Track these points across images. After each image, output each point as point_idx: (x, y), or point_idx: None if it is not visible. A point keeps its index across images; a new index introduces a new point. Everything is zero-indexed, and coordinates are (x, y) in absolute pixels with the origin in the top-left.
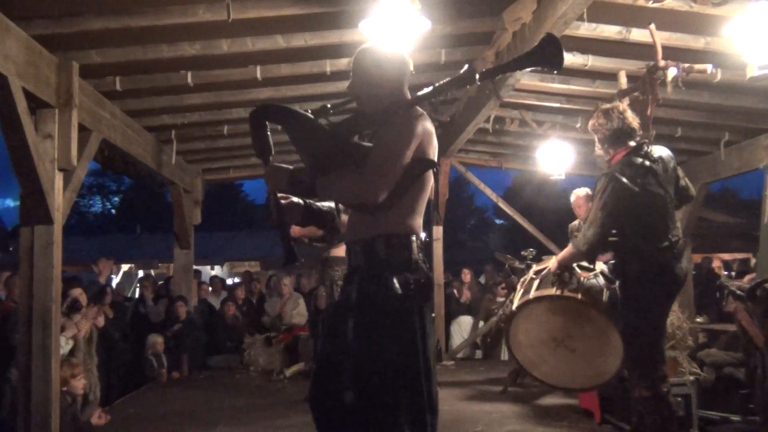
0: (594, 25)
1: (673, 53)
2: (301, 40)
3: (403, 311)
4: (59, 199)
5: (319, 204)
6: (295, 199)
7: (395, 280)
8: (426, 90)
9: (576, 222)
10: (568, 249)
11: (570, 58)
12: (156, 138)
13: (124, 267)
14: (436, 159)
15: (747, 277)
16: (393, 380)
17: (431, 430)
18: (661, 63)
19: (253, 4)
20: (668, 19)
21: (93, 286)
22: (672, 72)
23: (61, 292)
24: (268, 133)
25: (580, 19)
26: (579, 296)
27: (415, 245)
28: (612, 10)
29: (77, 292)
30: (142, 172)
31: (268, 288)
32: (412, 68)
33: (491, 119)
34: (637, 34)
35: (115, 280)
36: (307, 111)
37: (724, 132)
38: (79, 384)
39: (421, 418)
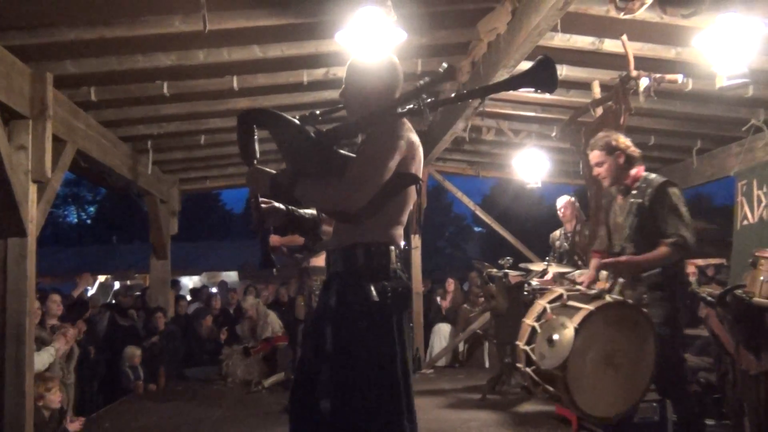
0: (567, 35)
1: (644, 63)
2: (277, 51)
3: (380, 319)
4: (33, 211)
5: (302, 211)
6: (277, 204)
7: (372, 288)
8: (407, 93)
9: (558, 231)
10: (661, 252)
11: None
12: (132, 148)
13: (101, 278)
14: (420, 173)
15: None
16: (370, 387)
17: None
18: (634, 73)
19: (230, 14)
20: (640, 30)
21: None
22: (644, 82)
23: (35, 305)
24: (255, 136)
25: (554, 29)
26: (630, 301)
27: (393, 254)
28: (585, 22)
29: (57, 299)
30: (118, 182)
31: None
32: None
33: (468, 128)
34: (610, 45)
35: (91, 292)
36: (295, 117)
37: (696, 140)
38: (55, 398)
39: (398, 425)
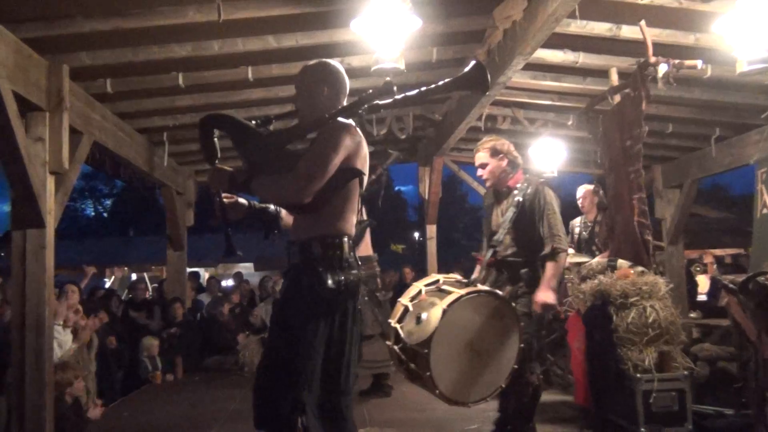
0: (584, 22)
1: (663, 50)
2: (292, 41)
3: (328, 304)
4: (51, 202)
5: (262, 205)
6: (240, 199)
7: (329, 276)
8: (351, 102)
9: (578, 219)
10: (552, 267)
11: (561, 56)
12: (147, 140)
13: (117, 272)
14: (365, 168)
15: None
16: (286, 359)
17: (346, 410)
18: (652, 59)
19: (244, 4)
20: (658, 16)
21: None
22: (663, 68)
23: (54, 295)
24: (215, 138)
25: (571, 16)
26: (501, 293)
27: (346, 245)
28: (602, 7)
29: (74, 289)
30: (134, 174)
31: (261, 289)
32: (348, 86)
33: (483, 117)
34: (628, 31)
35: (108, 284)
36: (251, 122)
37: (714, 128)
38: (81, 385)
39: (335, 401)
